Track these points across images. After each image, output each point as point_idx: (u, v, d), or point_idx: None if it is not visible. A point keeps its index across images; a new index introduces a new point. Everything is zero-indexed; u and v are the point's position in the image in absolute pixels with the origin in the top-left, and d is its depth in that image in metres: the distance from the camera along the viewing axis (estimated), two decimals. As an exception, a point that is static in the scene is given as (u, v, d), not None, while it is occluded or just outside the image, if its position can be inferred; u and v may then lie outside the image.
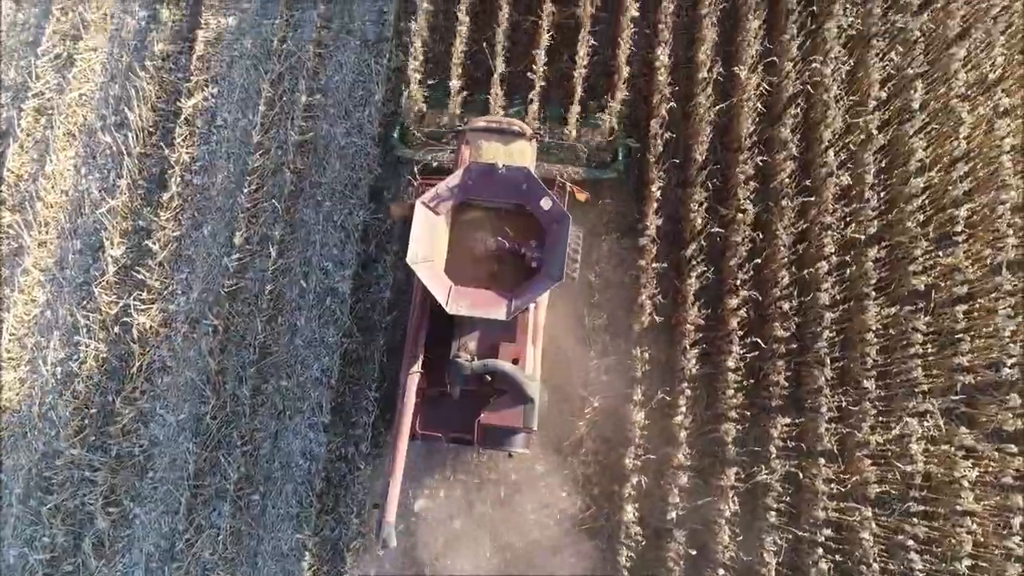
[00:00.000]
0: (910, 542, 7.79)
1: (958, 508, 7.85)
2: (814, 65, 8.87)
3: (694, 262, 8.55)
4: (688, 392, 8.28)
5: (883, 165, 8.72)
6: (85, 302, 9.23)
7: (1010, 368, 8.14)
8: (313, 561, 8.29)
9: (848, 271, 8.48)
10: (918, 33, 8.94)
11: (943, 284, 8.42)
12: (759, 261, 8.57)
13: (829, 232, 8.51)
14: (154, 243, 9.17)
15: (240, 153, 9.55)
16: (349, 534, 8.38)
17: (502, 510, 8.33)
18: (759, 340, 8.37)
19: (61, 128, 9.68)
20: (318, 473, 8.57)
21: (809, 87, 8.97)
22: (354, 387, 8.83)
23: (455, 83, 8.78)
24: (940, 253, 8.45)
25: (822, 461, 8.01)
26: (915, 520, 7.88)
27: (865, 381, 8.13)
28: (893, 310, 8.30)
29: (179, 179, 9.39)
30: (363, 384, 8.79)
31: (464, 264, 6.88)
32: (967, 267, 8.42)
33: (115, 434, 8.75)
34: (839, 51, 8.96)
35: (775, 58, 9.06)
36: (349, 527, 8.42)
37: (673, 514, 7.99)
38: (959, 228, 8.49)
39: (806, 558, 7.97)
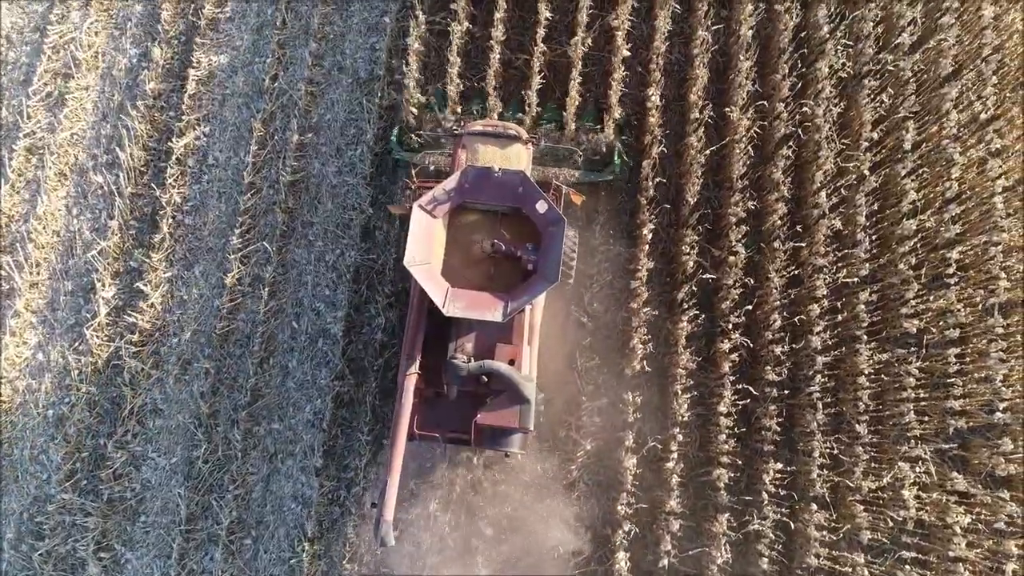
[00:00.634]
0: (903, 589, 7.80)
1: (951, 554, 7.84)
2: (805, 109, 8.86)
3: (685, 305, 8.54)
4: (680, 437, 8.27)
5: (875, 208, 8.71)
6: (77, 344, 9.20)
7: (1002, 412, 8.13)
8: (306, 606, 8.28)
9: (840, 316, 8.46)
10: (909, 73, 8.94)
11: (935, 328, 8.41)
12: (752, 304, 8.57)
13: (821, 275, 8.50)
14: (145, 284, 9.15)
15: (231, 193, 9.53)
16: (342, 579, 8.37)
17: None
18: (751, 386, 8.35)
19: (52, 168, 9.66)
20: (310, 517, 8.54)
21: (800, 129, 8.96)
22: (346, 430, 8.82)
23: (449, 123, 8.82)
24: (931, 297, 8.43)
25: (814, 507, 8.01)
26: (908, 567, 7.87)
27: (857, 425, 8.12)
28: (885, 356, 8.28)
29: (170, 219, 9.37)
30: (355, 427, 8.77)
31: (461, 266, 7.00)
32: (959, 310, 8.41)
33: (107, 478, 8.72)
34: (830, 91, 8.96)
35: (765, 102, 9.05)
36: (341, 572, 8.40)
37: (665, 561, 7.97)
38: (951, 270, 8.49)
39: (799, 605, 7.98)
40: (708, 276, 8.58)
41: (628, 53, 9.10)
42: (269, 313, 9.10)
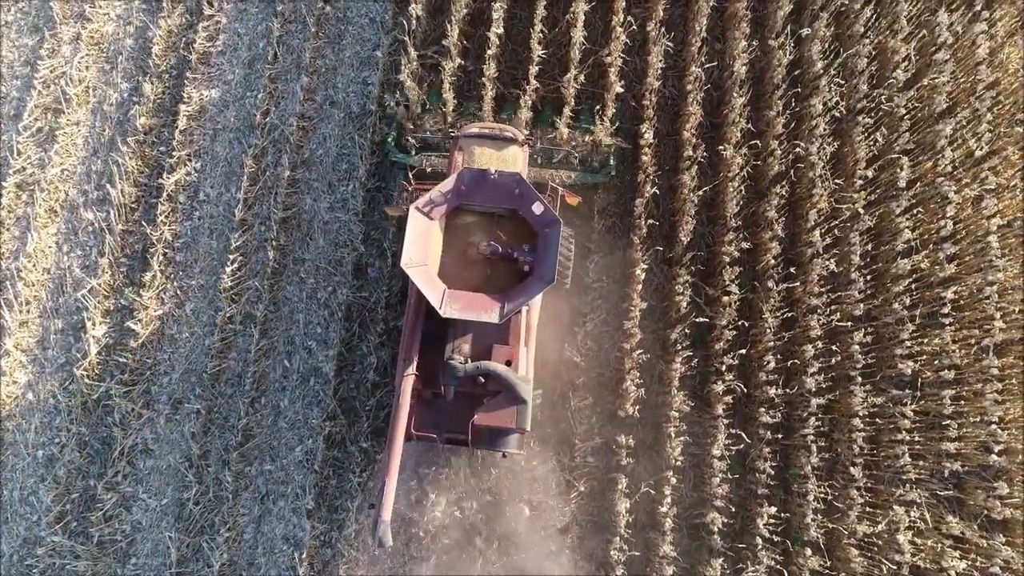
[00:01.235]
0: (898, 635, 7.75)
1: (946, 600, 7.80)
2: (798, 149, 8.81)
3: (679, 347, 8.49)
4: (673, 480, 8.21)
5: (869, 247, 8.66)
6: (67, 383, 9.15)
7: (998, 455, 8.08)
8: (297, 651, 8.22)
9: (835, 359, 8.41)
10: (904, 110, 8.90)
11: (930, 370, 8.36)
12: (745, 343, 8.52)
13: (815, 315, 8.45)
14: (136, 323, 9.09)
15: (223, 229, 9.48)
16: (333, 623, 8.32)
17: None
18: (746, 427, 8.30)
19: (43, 205, 9.61)
20: (302, 560, 8.48)
21: (794, 168, 8.91)
22: (338, 471, 8.75)
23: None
24: (926, 338, 8.38)
25: (808, 551, 7.94)
26: (903, 612, 7.82)
27: (852, 468, 8.07)
28: (880, 399, 8.23)
29: (161, 257, 9.32)
30: (347, 468, 8.71)
31: (458, 268, 7.02)
32: (954, 351, 8.36)
33: (97, 520, 8.65)
34: (824, 128, 8.91)
35: (758, 141, 9.00)
36: (333, 615, 8.35)
37: (659, 607, 7.93)
38: (946, 310, 8.44)
39: (793, 650, 7.92)
40: (702, 320, 8.51)
41: (621, 89, 9.05)
42: (260, 352, 9.04)
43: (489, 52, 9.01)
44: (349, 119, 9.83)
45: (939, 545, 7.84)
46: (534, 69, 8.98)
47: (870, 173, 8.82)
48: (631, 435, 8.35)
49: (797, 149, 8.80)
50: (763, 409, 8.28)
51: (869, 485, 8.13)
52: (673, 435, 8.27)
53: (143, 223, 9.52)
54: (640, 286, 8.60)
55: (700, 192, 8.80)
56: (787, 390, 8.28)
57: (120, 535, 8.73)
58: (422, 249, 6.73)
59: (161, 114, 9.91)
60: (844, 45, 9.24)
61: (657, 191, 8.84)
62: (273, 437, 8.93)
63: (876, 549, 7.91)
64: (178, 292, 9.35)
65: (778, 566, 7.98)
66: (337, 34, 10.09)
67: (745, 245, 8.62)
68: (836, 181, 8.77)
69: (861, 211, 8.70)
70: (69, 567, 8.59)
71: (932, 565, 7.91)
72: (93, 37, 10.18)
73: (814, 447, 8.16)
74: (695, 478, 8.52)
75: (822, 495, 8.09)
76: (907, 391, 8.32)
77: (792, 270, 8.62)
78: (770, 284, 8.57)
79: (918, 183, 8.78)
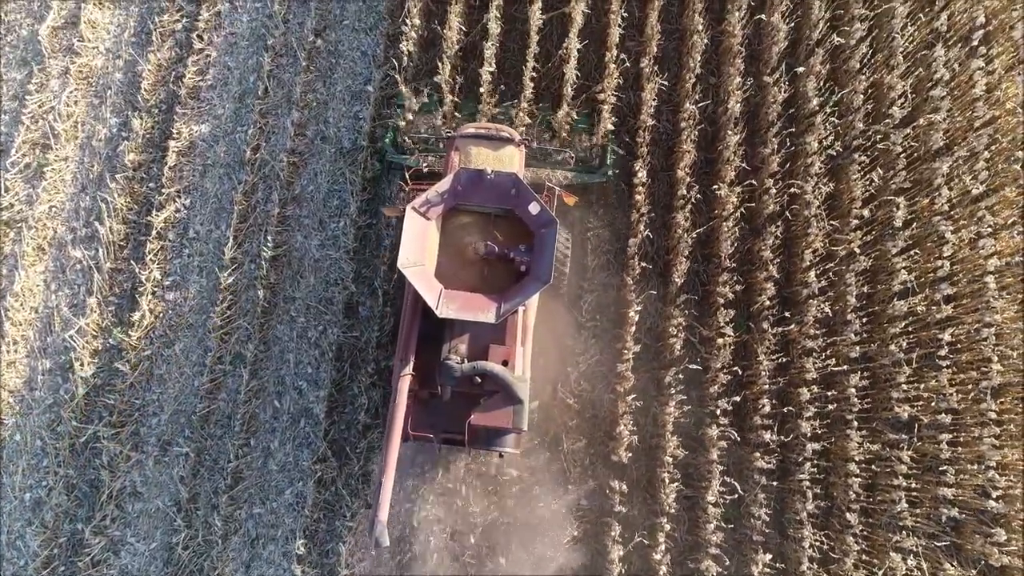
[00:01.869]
0: None
1: (943, 649, 7.70)
2: (794, 188, 8.72)
3: (673, 390, 8.39)
4: (667, 527, 8.11)
5: (865, 288, 8.57)
6: (55, 425, 9.05)
7: (995, 501, 7.98)
8: None
9: (830, 404, 8.31)
10: (900, 148, 8.80)
11: (927, 414, 8.26)
12: (740, 386, 8.42)
13: (811, 357, 8.36)
14: (124, 364, 8.99)
15: (212, 268, 9.37)
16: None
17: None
18: (741, 471, 8.20)
19: (30, 243, 9.50)
20: (292, 605, 8.39)
21: (789, 208, 8.81)
22: (328, 514, 8.65)
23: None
24: (923, 383, 8.27)
25: (804, 600, 7.85)
26: (900, 662, 7.72)
27: (848, 514, 7.98)
28: (876, 447, 8.13)
29: (150, 296, 9.22)
30: (337, 511, 8.61)
31: (454, 268, 7.00)
32: (951, 394, 8.26)
33: (84, 566, 8.55)
34: (820, 166, 8.82)
35: (753, 179, 8.91)
36: (323, 662, 8.25)
37: (653, 657, 7.83)
38: (943, 352, 8.34)
39: None
40: (695, 366, 8.42)
41: (612, 127, 8.96)
42: (251, 392, 8.94)
43: (482, 90, 8.91)
44: (340, 154, 9.73)
45: (936, 595, 7.75)
46: (526, 106, 8.89)
47: (866, 212, 8.73)
48: (624, 480, 8.26)
49: (792, 188, 8.69)
50: (758, 453, 8.19)
51: (866, 532, 8.03)
52: (667, 480, 8.17)
53: (132, 261, 9.41)
54: (634, 328, 8.50)
55: (695, 232, 8.70)
56: (782, 436, 8.18)
57: (108, 580, 8.64)
58: (419, 249, 6.72)
59: (150, 150, 9.81)
60: (839, 82, 9.15)
61: (650, 233, 8.74)
62: (263, 480, 8.83)
63: (872, 598, 7.82)
64: (167, 331, 9.25)
65: (773, 616, 7.89)
66: (328, 68, 9.99)
67: (739, 286, 8.51)
68: (832, 221, 8.67)
69: (857, 251, 8.60)
70: (56, 614, 8.49)
71: (929, 614, 7.82)
72: (82, 71, 10.08)
73: (810, 493, 8.07)
74: (689, 522, 8.42)
75: (818, 542, 7.99)
76: (904, 435, 8.22)
77: (787, 313, 8.52)
78: (765, 326, 8.48)
79: (915, 222, 8.68)
